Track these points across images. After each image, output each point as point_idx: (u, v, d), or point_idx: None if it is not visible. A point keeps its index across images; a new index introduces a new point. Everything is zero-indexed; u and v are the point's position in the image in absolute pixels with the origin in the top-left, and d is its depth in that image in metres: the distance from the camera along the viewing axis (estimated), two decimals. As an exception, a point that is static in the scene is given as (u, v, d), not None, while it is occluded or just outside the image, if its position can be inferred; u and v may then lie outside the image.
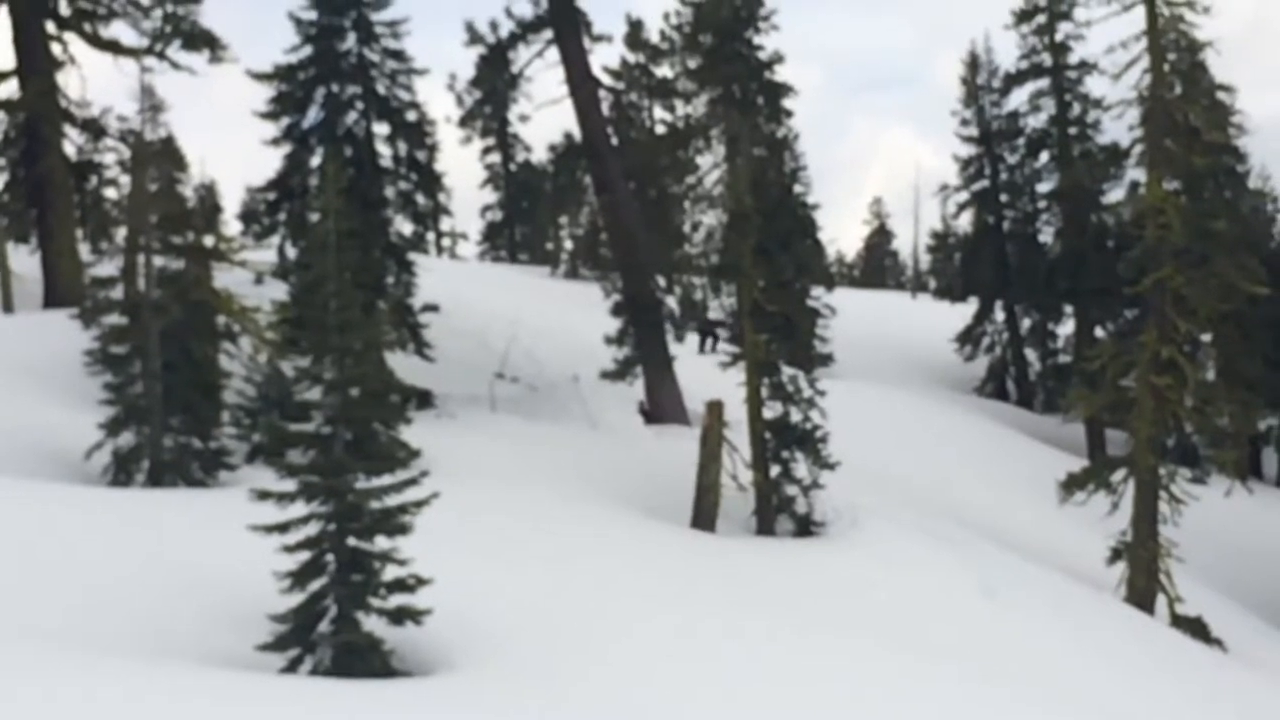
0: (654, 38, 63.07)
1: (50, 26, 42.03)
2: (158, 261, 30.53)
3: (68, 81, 42.41)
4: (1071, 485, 38.41)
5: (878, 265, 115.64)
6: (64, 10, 42.21)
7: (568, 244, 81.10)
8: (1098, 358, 39.28)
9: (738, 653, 24.16)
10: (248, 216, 38.53)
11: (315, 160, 37.01)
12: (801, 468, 33.04)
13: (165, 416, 29.21)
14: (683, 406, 39.38)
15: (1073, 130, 64.27)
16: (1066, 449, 51.40)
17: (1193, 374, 37.50)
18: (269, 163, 37.52)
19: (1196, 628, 35.79)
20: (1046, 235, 66.70)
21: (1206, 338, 42.14)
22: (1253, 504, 45.29)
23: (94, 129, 42.70)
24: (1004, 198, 67.83)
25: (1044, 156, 66.25)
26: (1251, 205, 58.33)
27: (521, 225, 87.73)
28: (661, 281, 41.64)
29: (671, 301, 42.14)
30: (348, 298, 20.78)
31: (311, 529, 19.94)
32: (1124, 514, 37.32)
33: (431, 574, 20.31)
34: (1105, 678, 29.31)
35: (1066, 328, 65.67)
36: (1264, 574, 45.10)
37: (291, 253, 36.88)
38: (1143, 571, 36.69)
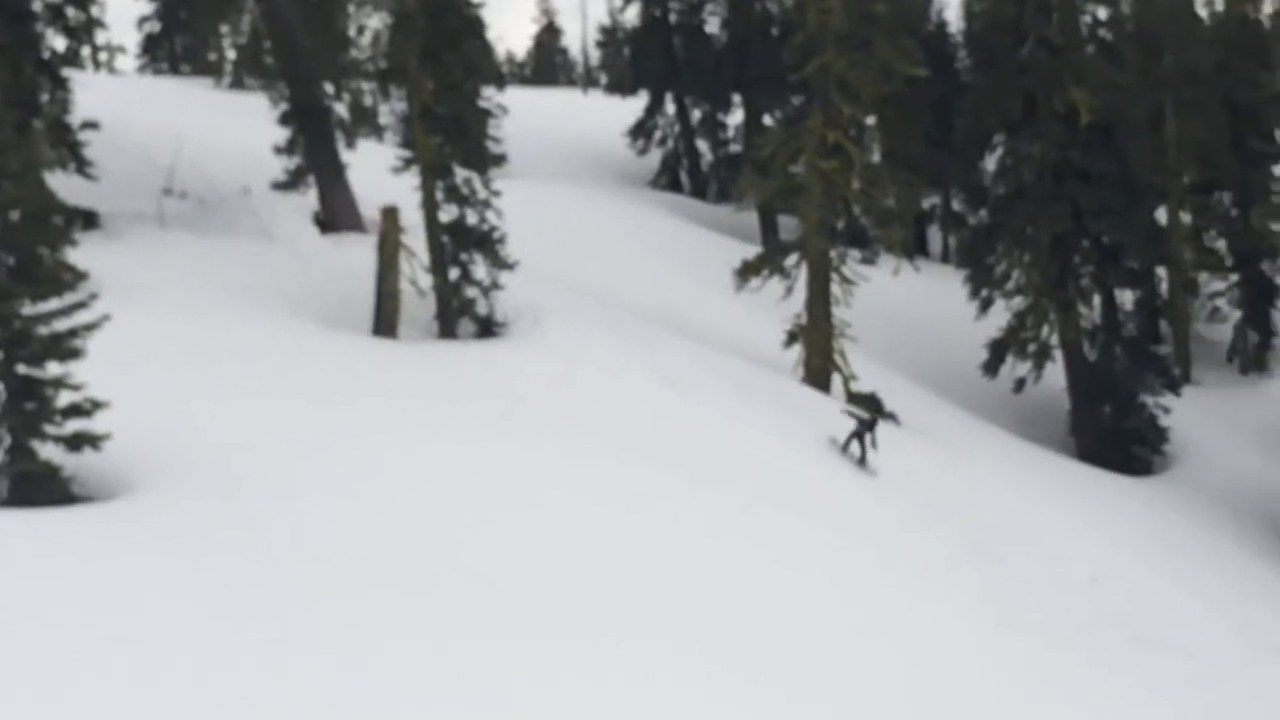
0: None
1: None
2: None
3: None
4: (746, 272, 39.12)
5: (548, 63, 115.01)
6: None
7: (230, 54, 78.77)
8: (767, 145, 39.87)
9: (428, 454, 24.32)
10: (-115, 37, 36.43)
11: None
12: (481, 269, 33.06)
13: None
14: (358, 214, 38.87)
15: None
16: (741, 237, 52.28)
17: (858, 157, 38.30)
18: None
19: (870, 403, 36.99)
20: (713, 26, 66.99)
21: (870, 121, 42.98)
22: (920, 280, 46.66)
23: None
24: (670, -11, 67.81)
25: (706, -54, 66.31)
26: (909, -12, 59.43)
27: (181, 36, 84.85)
28: (329, 88, 40.88)
29: (340, 108, 41.46)
30: (-1, 117, 20.03)
31: (-22, 358, 19.38)
32: (798, 297, 38.22)
33: (108, 398, 19.93)
34: (789, 459, 30.25)
35: (736, 117, 66.35)
36: (930, 347, 46.77)
37: (-65, 73, 35.17)
38: (818, 352, 37.70)
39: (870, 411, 32.20)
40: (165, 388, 24.15)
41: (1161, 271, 51.54)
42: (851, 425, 32.05)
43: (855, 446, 31.65)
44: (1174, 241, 50.94)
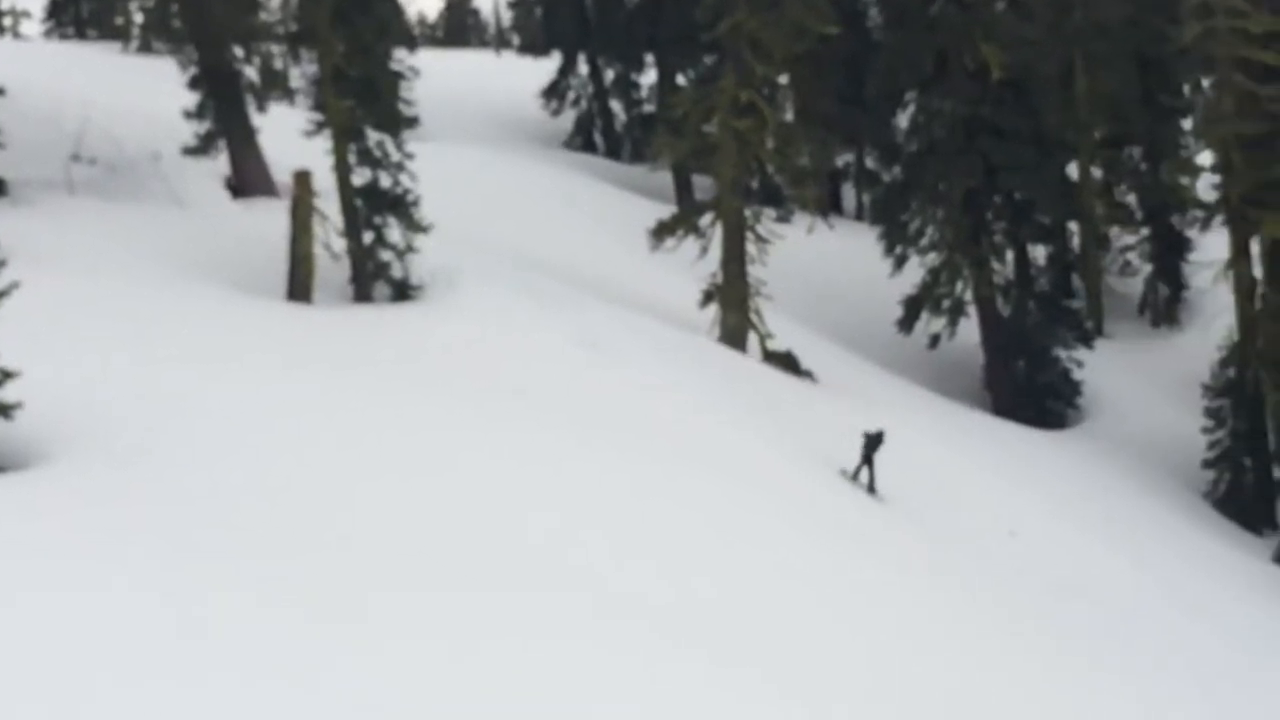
0: None
1: None
2: None
3: None
4: (662, 232, 39.15)
5: (460, 24, 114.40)
6: None
7: (137, 17, 77.75)
8: (680, 105, 39.86)
9: (346, 419, 24.22)
10: None
11: None
12: (395, 233, 32.86)
13: None
14: (270, 178, 38.59)
15: (642, -125, 64.00)
16: (655, 197, 52.27)
17: (771, 116, 38.36)
18: None
19: (786, 361, 37.16)
20: (625, -15, 66.71)
21: (783, 79, 42.97)
22: (834, 238, 46.91)
23: None
24: (580, -52, 67.43)
25: (616, -95, 65.90)
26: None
27: (87, 0, 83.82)
28: (238, 51, 40.44)
29: (250, 72, 41.00)
30: (-99, 84, 19.75)
31: (-115, 329, 19.14)
32: (714, 257, 38.27)
33: (19, 367, 19.75)
34: (708, 419, 30.30)
35: (649, 77, 66.23)
36: (845, 304, 46.98)
37: None
38: (734, 311, 37.79)
39: (868, 434, 30.15)
40: (78, 355, 23.92)
41: (1073, 226, 51.97)
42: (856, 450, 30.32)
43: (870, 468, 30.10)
44: (1085, 196, 51.33)
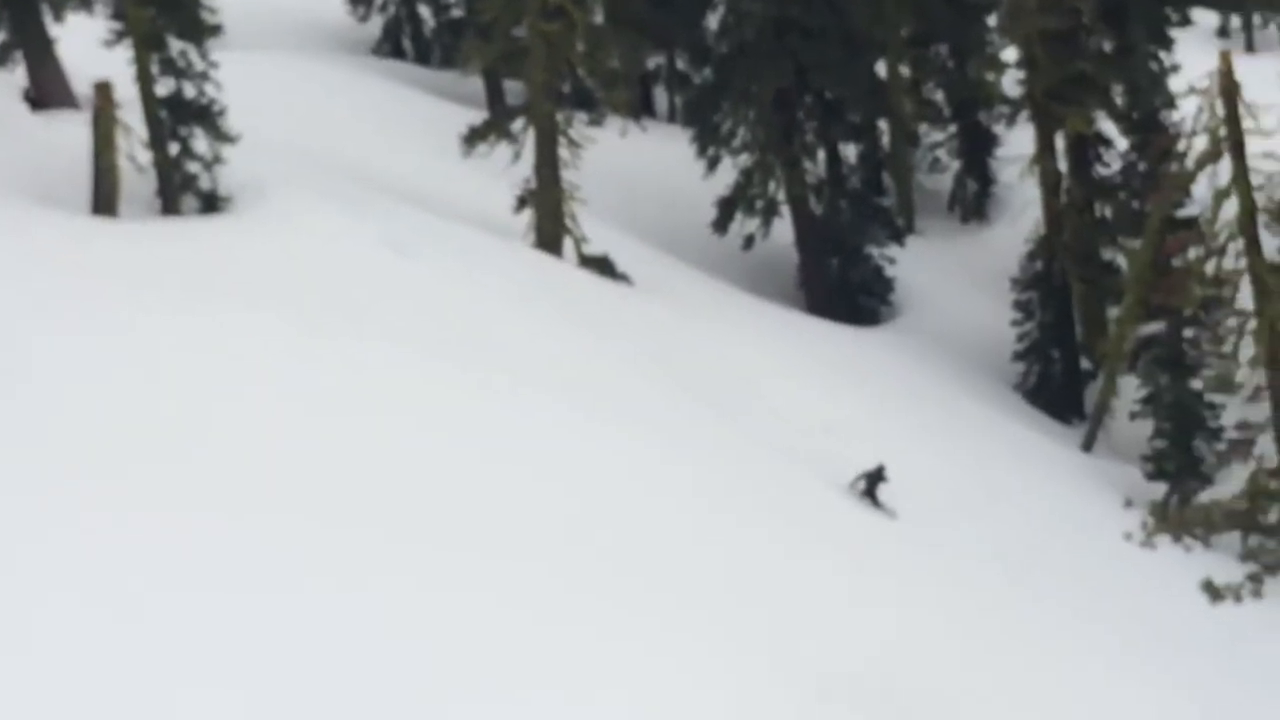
0: None
1: None
2: None
3: None
4: (473, 138, 38.90)
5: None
6: None
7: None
8: (488, 10, 39.49)
9: (143, 330, 23.99)
10: None
11: None
12: (202, 143, 32.32)
13: None
14: (70, 90, 37.62)
15: None
16: (467, 103, 51.80)
17: (581, 19, 38.11)
18: None
19: (602, 266, 37.24)
20: (430, -114, 65.78)
21: (593, -18, 42.80)
22: (647, 141, 46.91)
23: None
24: None
25: None
26: None
27: None
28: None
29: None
30: None
31: None
32: (527, 162, 38.14)
33: None
34: (521, 324, 30.35)
35: (458, -19, 65.53)
36: (660, 207, 47.06)
37: None
38: (549, 216, 37.71)
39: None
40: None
41: (883, 124, 52.37)
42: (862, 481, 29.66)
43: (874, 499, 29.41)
44: (894, 94, 51.71)
